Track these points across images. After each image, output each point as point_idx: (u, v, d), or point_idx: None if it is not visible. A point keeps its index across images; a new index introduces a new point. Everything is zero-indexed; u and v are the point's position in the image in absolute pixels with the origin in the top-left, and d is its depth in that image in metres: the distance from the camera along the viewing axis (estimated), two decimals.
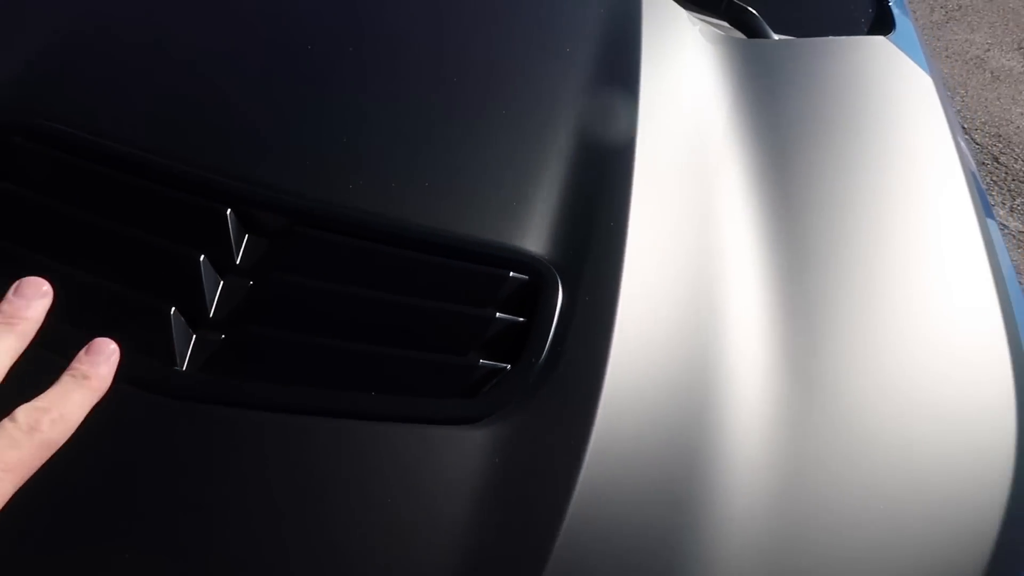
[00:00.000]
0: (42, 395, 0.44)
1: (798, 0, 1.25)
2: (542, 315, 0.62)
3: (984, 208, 1.02)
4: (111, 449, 0.49)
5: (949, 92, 3.44)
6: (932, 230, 0.89)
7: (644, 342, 0.64)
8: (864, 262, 0.81)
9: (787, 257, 0.78)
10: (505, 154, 0.73)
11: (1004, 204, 2.82)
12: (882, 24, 1.23)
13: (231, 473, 0.50)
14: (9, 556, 0.46)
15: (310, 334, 0.57)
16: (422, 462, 0.53)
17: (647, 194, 0.74)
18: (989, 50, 3.92)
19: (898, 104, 1.07)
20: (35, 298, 0.48)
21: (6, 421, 0.42)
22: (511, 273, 0.64)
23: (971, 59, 3.79)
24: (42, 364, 0.51)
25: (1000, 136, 3.20)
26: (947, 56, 3.75)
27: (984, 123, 3.27)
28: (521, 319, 0.62)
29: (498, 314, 0.61)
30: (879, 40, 1.14)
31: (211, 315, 0.56)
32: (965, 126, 3.20)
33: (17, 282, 0.48)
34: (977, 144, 3.11)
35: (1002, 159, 3.05)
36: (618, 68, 0.86)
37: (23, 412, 0.42)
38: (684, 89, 0.90)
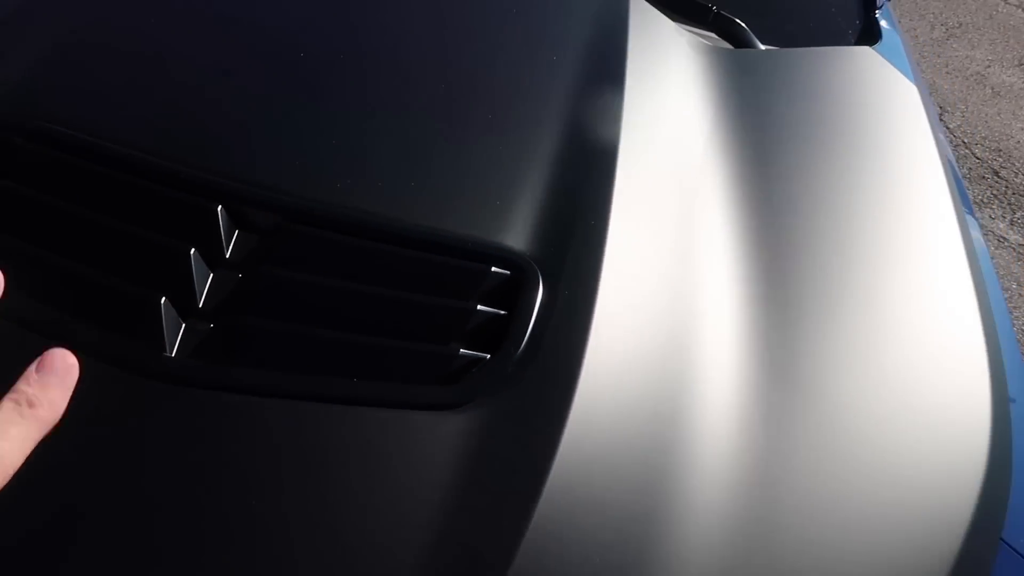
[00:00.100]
0: None
1: (786, 13, 1.28)
2: (522, 308, 0.64)
3: (967, 213, 1.03)
4: (99, 430, 0.51)
5: (949, 108, 3.46)
6: (912, 233, 0.91)
7: (621, 336, 0.66)
8: (843, 264, 0.83)
9: (767, 258, 0.80)
10: (490, 156, 0.75)
11: (1004, 217, 2.83)
12: (868, 35, 1.26)
13: (216, 453, 0.52)
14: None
15: (296, 324, 0.59)
16: (402, 445, 0.55)
17: (628, 195, 0.76)
18: (990, 66, 3.94)
19: (882, 111, 1.09)
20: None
21: None
22: (493, 268, 0.66)
23: (971, 75, 3.81)
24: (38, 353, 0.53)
25: (1000, 151, 3.22)
26: (947, 72, 3.78)
27: (984, 138, 3.29)
28: (503, 312, 0.64)
29: (480, 307, 0.63)
30: (864, 50, 1.16)
31: (200, 305, 0.59)
32: (965, 140, 3.22)
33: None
34: (977, 158, 3.13)
35: (1002, 173, 3.06)
36: (604, 75, 0.89)
37: None
38: (668, 96, 0.93)
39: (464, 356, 0.60)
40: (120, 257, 0.59)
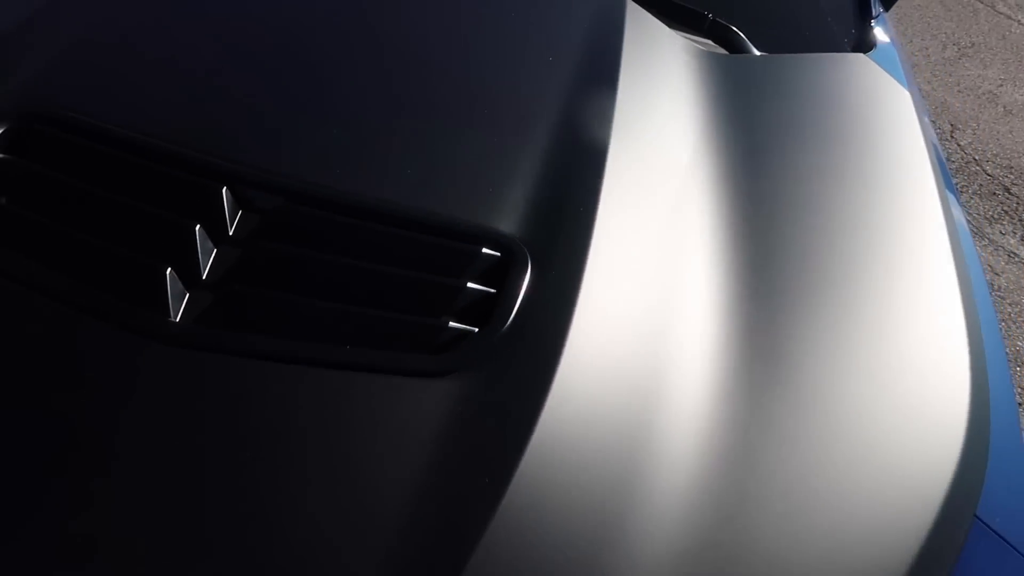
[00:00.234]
0: None
1: (782, 22, 1.31)
2: (510, 287, 0.67)
3: (957, 217, 1.05)
4: (105, 388, 0.55)
5: (960, 126, 3.47)
6: (899, 233, 0.93)
7: (605, 318, 0.69)
8: (828, 257, 0.85)
9: (752, 252, 0.82)
10: (486, 147, 0.79)
11: (1015, 233, 2.83)
12: (863, 43, 1.29)
13: (212, 411, 0.55)
14: (9, 490, 0.51)
15: (294, 295, 0.62)
16: (389, 408, 0.58)
17: (617, 188, 0.79)
18: (1002, 85, 3.95)
19: (874, 116, 1.11)
20: None
21: None
22: (484, 249, 0.69)
23: (983, 94, 3.82)
24: (53, 317, 0.57)
25: (1012, 168, 3.22)
26: (959, 91, 3.79)
27: (996, 155, 3.29)
28: (492, 291, 0.67)
29: (470, 285, 0.67)
30: (858, 57, 1.19)
31: (204, 277, 0.62)
32: (976, 157, 3.23)
33: None
34: (988, 175, 3.13)
35: (1013, 190, 3.06)
36: (598, 75, 0.92)
37: None
38: (660, 96, 0.96)
39: (453, 329, 0.64)
40: (131, 232, 0.63)
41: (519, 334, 0.64)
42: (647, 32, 1.04)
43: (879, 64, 1.20)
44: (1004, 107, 3.73)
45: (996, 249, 2.71)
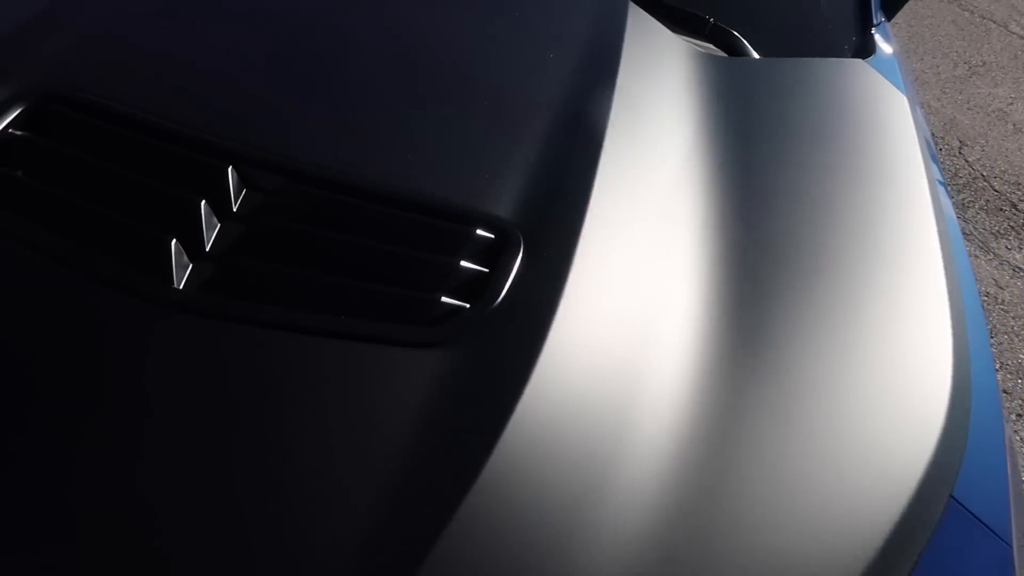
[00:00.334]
0: None
1: (783, 27, 1.33)
2: (502, 267, 0.70)
3: (949, 221, 1.07)
4: (107, 348, 0.57)
5: (969, 143, 3.48)
6: (888, 228, 0.95)
7: (593, 299, 0.71)
8: (818, 254, 0.87)
9: (743, 246, 0.84)
10: (484, 135, 0.81)
11: (1021, 248, 2.83)
12: (863, 48, 1.31)
13: (210, 374, 0.57)
14: (10, 451, 0.53)
15: (293, 267, 0.65)
16: (382, 375, 0.60)
17: (611, 179, 0.82)
18: (1012, 103, 3.96)
19: (870, 120, 1.13)
20: None
21: None
22: (478, 231, 0.71)
23: (993, 111, 3.83)
24: (63, 281, 0.60)
25: (1019, 184, 3.23)
26: (969, 108, 3.80)
27: (1004, 171, 3.30)
28: (486, 270, 0.70)
29: (464, 263, 0.69)
30: (856, 62, 1.21)
31: (208, 249, 0.65)
32: (984, 173, 3.24)
33: None
34: (996, 191, 3.14)
35: (1020, 206, 3.07)
36: (597, 72, 0.95)
37: None
38: (658, 93, 0.99)
39: (446, 304, 0.66)
40: (140, 205, 0.66)
41: (509, 311, 0.67)
42: (647, 33, 1.06)
43: (878, 70, 1.22)
44: (1014, 125, 3.74)
45: (1001, 263, 2.72)
